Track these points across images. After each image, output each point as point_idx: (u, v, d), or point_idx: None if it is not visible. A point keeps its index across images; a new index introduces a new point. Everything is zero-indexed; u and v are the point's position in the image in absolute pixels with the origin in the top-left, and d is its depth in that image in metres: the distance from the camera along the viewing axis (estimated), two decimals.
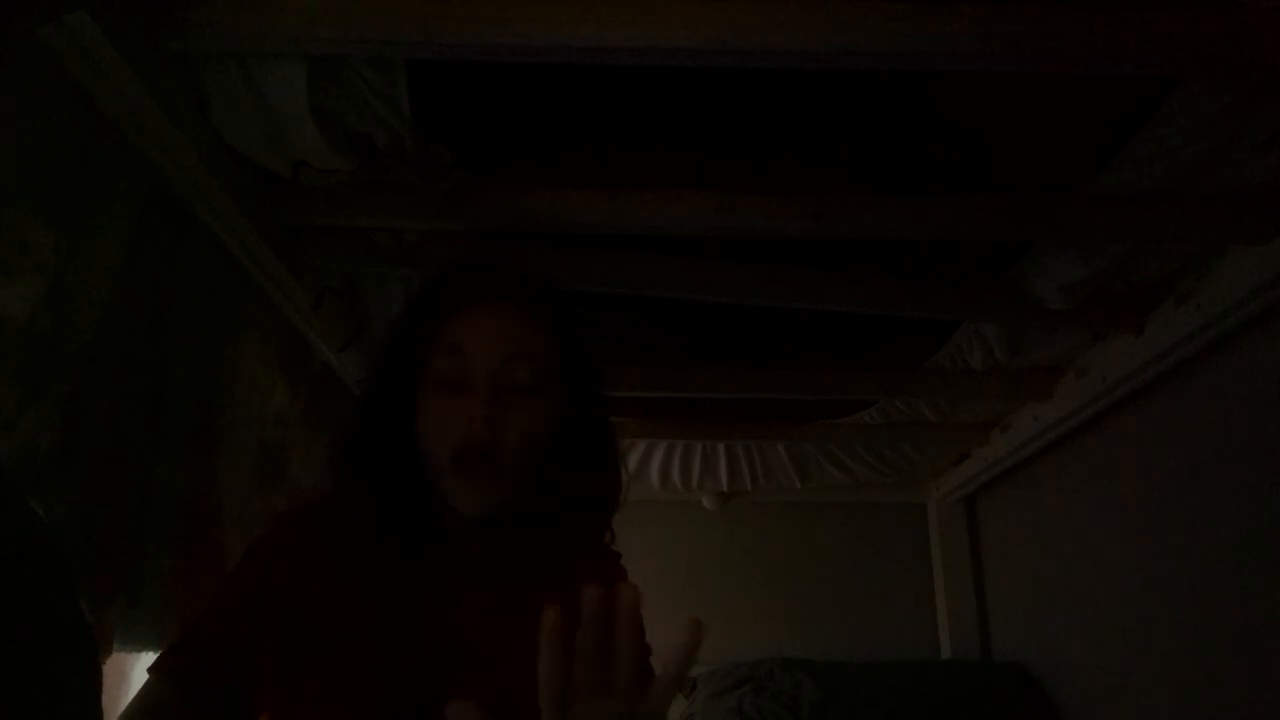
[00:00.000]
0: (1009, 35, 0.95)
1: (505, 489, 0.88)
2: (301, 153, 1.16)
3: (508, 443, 0.86)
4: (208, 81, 1.04)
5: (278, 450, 1.46)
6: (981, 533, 2.83)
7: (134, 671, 1.17)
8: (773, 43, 0.95)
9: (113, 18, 0.86)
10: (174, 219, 1.12)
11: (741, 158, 1.26)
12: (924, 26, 0.94)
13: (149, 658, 0.93)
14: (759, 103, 1.15)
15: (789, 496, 2.88)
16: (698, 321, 1.75)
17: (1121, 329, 1.68)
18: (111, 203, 0.98)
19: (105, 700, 0.79)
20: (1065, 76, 1.06)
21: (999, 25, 0.94)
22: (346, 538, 0.91)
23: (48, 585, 0.73)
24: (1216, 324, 1.48)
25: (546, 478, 0.91)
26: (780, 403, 2.16)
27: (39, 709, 0.69)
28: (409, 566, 0.90)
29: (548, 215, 1.31)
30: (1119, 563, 1.97)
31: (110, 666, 0.96)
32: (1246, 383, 1.55)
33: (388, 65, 1.05)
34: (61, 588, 0.75)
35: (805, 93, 1.12)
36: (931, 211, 1.30)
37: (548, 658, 0.60)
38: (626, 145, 1.23)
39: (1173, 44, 0.95)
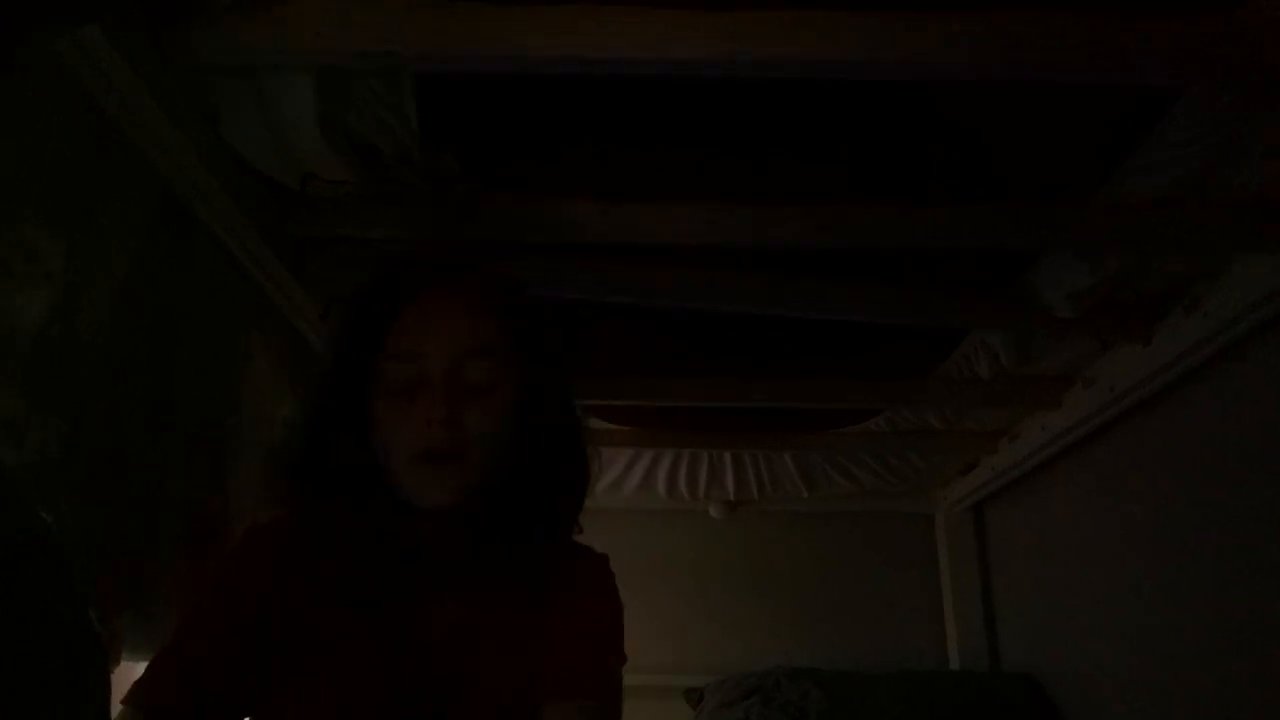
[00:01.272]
0: (1011, 44, 0.95)
1: (468, 487, 0.86)
2: (310, 164, 1.17)
3: (468, 443, 0.84)
4: (217, 94, 1.05)
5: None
6: (989, 542, 2.82)
7: None
8: (778, 55, 0.95)
9: (121, 30, 0.87)
10: (181, 227, 1.13)
11: (741, 158, 1.27)
12: (926, 36, 0.94)
13: None
14: (762, 108, 1.15)
15: (796, 506, 2.87)
16: (703, 330, 1.75)
17: (1130, 337, 1.67)
18: (119, 211, 0.99)
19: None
20: (1071, 85, 1.07)
21: (1001, 36, 0.94)
22: (330, 548, 0.89)
23: (54, 592, 0.73)
24: (1225, 332, 1.47)
25: (516, 470, 0.89)
26: (787, 411, 2.16)
27: (46, 719, 0.69)
28: (406, 570, 0.89)
29: (553, 225, 1.31)
30: (1127, 572, 1.96)
31: (119, 676, 0.96)
32: (1255, 391, 1.54)
33: (395, 77, 1.06)
34: (69, 595, 0.75)
35: (809, 100, 1.13)
36: (937, 219, 1.30)
37: None
38: (626, 146, 1.24)
39: (1178, 52, 0.95)
